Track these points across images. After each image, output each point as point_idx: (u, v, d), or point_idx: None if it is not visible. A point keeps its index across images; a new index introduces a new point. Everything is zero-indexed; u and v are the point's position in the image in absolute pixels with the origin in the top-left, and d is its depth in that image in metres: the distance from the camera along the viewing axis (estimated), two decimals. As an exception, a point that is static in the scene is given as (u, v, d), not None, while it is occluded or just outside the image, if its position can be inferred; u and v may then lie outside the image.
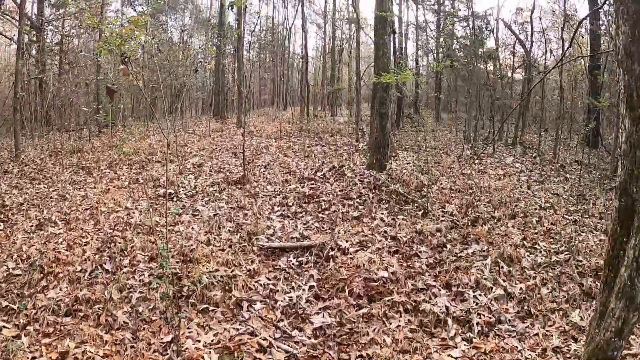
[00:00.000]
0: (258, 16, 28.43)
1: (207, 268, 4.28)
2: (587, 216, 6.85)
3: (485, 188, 7.89)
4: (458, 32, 26.12)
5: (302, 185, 7.18)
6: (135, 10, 30.57)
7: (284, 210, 6.11)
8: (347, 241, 4.96)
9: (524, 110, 16.11)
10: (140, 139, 14.99)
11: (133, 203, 6.86)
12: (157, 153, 10.87)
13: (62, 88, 14.99)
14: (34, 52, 17.91)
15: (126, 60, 3.62)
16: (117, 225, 5.81)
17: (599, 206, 7.34)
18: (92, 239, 5.30)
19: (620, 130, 2.43)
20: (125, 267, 4.51)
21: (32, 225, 5.82)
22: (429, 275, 4.51)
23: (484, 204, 6.94)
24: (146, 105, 21.92)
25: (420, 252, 4.98)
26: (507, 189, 7.94)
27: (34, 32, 19.03)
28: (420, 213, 6.12)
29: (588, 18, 16.57)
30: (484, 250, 5.08)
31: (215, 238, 5.13)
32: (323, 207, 6.07)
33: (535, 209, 6.98)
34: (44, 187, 8.14)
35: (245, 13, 26.81)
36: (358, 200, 6.36)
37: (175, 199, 6.97)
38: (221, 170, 8.58)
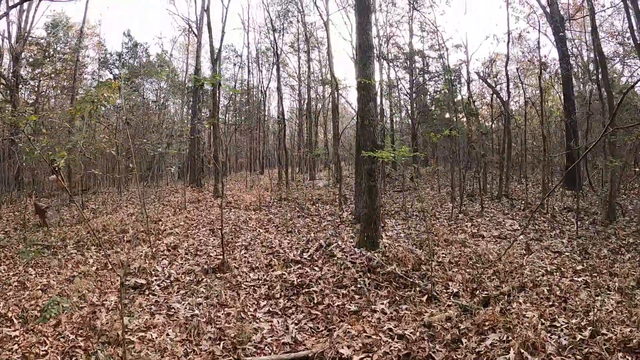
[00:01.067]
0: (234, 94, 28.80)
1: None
2: (595, 274, 6.42)
3: (485, 255, 7.42)
4: (430, 88, 27.05)
5: (288, 270, 6.53)
6: (111, 73, 30.59)
7: (271, 306, 5.42)
8: (349, 347, 4.28)
9: (506, 162, 16.18)
10: (112, 210, 14.17)
11: (100, 297, 6.05)
12: (129, 230, 10.10)
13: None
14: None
15: (56, 169, 3.10)
16: (81, 329, 5.01)
17: (606, 261, 6.98)
18: (50, 348, 4.49)
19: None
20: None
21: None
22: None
23: (488, 276, 6.43)
24: (120, 171, 21.21)
25: (433, 352, 4.34)
26: (508, 254, 7.49)
27: (8, 92, 18.47)
28: (424, 299, 5.53)
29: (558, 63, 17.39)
30: (503, 340, 4.48)
31: (194, 350, 4.37)
32: (315, 301, 5.41)
33: (542, 275, 6.51)
34: (4, 270, 7.28)
35: (219, 87, 27.14)
36: (353, 288, 5.74)
37: (147, 291, 6.20)
38: (198, 252, 7.86)
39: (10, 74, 19.79)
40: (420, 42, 26.51)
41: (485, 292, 5.80)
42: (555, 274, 6.60)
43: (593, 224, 10.14)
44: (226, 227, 9.96)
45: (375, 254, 6.87)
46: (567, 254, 7.77)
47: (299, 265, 6.73)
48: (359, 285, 5.80)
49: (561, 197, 14.57)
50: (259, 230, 9.61)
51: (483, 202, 13.56)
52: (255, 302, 5.49)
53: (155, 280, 6.59)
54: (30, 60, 21.83)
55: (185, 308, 5.36)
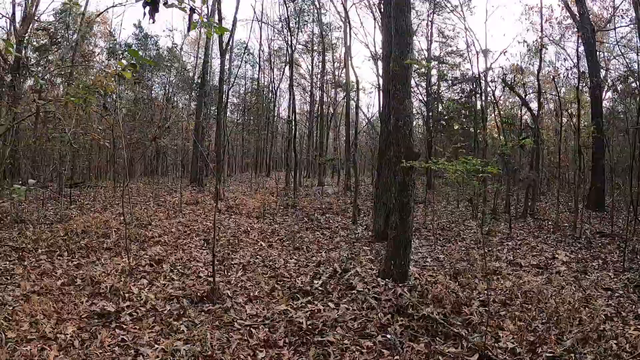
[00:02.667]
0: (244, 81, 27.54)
1: None
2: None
3: (530, 292, 6.00)
4: (447, 94, 25.67)
5: (296, 304, 5.13)
6: (120, 66, 29.30)
7: (271, 359, 4.02)
8: None
9: (534, 177, 14.73)
10: (102, 208, 12.88)
11: (55, 326, 4.68)
12: (112, 235, 8.78)
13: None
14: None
15: None
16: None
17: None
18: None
19: None
20: None
21: None
22: None
23: (543, 322, 5.03)
24: (123, 165, 20.01)
25: None
26: (556, 292, 6.06)
27: (9, 76, 17.35)
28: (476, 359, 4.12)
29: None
30: None
31: None
32: (332, 356, 4.00)
33: (603, 321, 5.11)
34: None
35: (229, 76, 25.87)
36: (380, 339, 4.33)
37: (114, 323, 4.82)
38: (186, 271, 6.47)
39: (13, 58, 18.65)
40: (439, 48, 25.19)
41: (550, 351, 4.39)
42: (615, 319, 5.21)
43: (634, 253, 8.68)
44: (223, 237, 8.59)
45: (405, 289, 5.46)
46: (619, 291, 6.42)
47: (309, 297, 5.32)
48: (388, 336, 4.39)
49: (588, 219, 13.14)
50: (261, 244, 8.23)
51: (511, 222, 12.12)
52: (251, 353, 4.08)
53: (128, 307, 5.21)
54: (36, 45, 20.73)
55: (158, 358, 3.97)
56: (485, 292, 6.02)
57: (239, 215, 11.62)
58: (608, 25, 19.41)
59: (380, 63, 20.49)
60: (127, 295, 5.57)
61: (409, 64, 5.90)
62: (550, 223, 13.31)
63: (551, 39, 17.25)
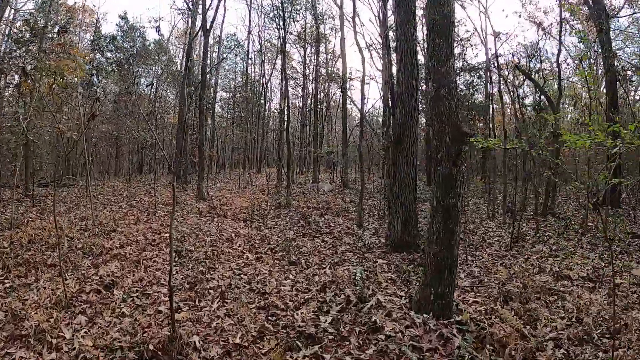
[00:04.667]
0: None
1: None
2: None
3: (600, 318, 4.40)
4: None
5: (295, 358, 3.43)
6: (103, 56, 27.46)
7: None
8: None
9: (554, 172, 13.19)
10: (65, 210, 11.08)
11: None
12: (64, 244, 7.03)
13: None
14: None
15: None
16: None
17: None
18: None
19: None
20: None
21: None
22: None
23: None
24: (98, 161, 18.21)
25: None
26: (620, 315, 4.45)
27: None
28: None
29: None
30: None
31: None
32: None
33: None
34: None
35: (218, 63, 24.02)
36: None
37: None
38: (142, 302, 4.73)
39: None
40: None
41: None
42: None
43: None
44: (200, 248, 6.85)
45: (454, 329, 3.78)
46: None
47: (316, 347, 3.61)
48: None
49: (615, 220, 11.68)
50: (248, 257, 6.48)
51: (538, 223, 10.53)
52: None
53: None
54: (14, 37, 18.77)
55: None
56: (545, 320, 4.39)
57: (223, 217, 9.86)
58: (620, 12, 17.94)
59: (374, 53, 18.88)
60: (54, 341, 3.86)
61: (451, 12, 4.20)
62: (573, 222, 11.86)
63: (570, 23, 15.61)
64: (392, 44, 12.56)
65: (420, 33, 17.11)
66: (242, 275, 5.53)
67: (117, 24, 29.12)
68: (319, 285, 5.16)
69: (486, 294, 5.14)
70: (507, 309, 4.65)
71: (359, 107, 16.15)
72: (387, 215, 7.28)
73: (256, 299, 4.78)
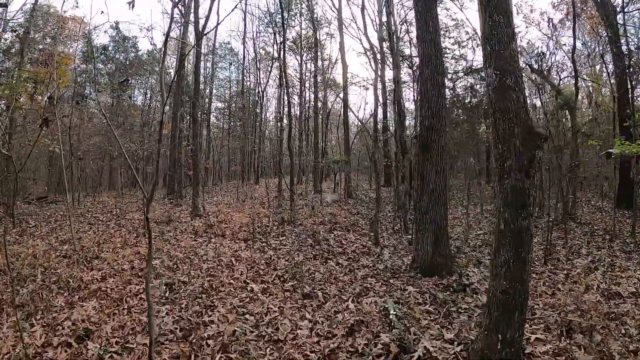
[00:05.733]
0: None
1: None
2: None
3: None
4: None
5: None
6: (95, 68, 26.51)
7: None
8: None
9: (574, 175, 12.26)
10: (47, 232, 10.05)
11: None
12: (37, 277, 6.03)
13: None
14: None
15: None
16: None
17: None
18: None
19: None
20: None
21: None
22: None
23: None
24: (86, 176, 17.16)
25: None
26: None
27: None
28: None
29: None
30: None
31: None
32: None
33: None
34: None
35: (211, 76, 23.05)
36: None
37: None
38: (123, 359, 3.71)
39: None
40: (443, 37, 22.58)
41: None
42: None
43: None
44: (195, 278, 5.81)
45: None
46: None
47: None
48: None
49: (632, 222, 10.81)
50: (252, 288, 5.45)
51: (567, 232, 9.58)
52: None
53: None
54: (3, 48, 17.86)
55: None
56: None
57: (221, 237, 8.82)
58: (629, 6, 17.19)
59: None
60: None
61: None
62: (596, 228, 10.97)
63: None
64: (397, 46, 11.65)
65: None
66: (247, 316, 4.50)
67: (110, 35, 28.28)
68: (344, 327, 4.14)
69: (542, 323, 4.19)
70: (575, 347, 3.70)
71: (356, 114, 15.22)
72: (413, 233, 6.28)
73: (268, 350, 3.76)
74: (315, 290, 5.25)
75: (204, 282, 5.53)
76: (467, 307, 4.86)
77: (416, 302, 4.86)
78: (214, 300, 4.98)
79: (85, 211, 14.05)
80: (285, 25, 14.34)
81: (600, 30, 15.39)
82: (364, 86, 25.68)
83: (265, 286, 5.55)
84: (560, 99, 10.23)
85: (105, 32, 28.62)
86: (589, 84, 18.08)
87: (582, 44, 17.74)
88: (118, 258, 6.95)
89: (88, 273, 6.13)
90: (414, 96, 21.97)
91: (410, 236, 9.03)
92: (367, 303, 4.85)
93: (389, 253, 7.45)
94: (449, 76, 22.50)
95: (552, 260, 7.45)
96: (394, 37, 13.21)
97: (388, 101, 24.40)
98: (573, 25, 13.30)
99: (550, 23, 14.67)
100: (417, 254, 5.96)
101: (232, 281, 5.66)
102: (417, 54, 20.69)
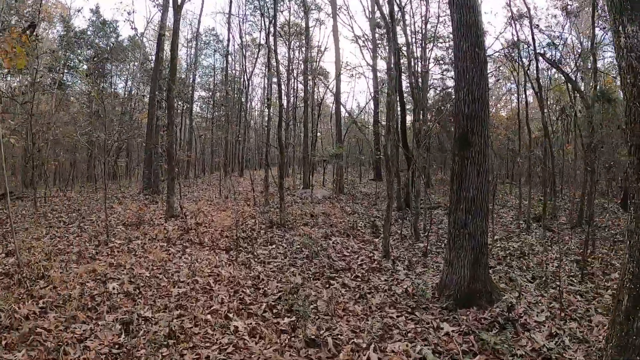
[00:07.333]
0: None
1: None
2: None
3: None
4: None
5: None
6: (73, 55, 24.81)
7: None
8: None
9: (590, 176, 11.16)
10: (13, 229, 8.50)
11: None
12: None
13: None
14: None
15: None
16: None
17: None
18: None
19: None
20: None
21: None
22: None
23: None
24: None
25: None
26: None
27: None
28: None
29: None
30: None
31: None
32: None
33: None
34: None
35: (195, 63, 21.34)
36: None
37: None
38: None
39: None
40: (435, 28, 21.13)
41: None
42: None
43: None
44: (162, 312, 4.43)
45: None
46: None
47: None
48: None
49: None
50: (236, 328, 4.09)
51: (588, 236, 8.44)
52: None
53: None
54: None
55: None
56: None
57: (199, 245, 7.40)
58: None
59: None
60: None
61: None
62: (615, 233, 10.04)
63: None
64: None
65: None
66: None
67: (89, 19, 26.43)
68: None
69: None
70: None
71: (344, 106, 13.84)
72: (446, 250, 4.95)
73: None
74: (322, 334, 3.91)
75: (172, 319, 4.14)
76: (524, 353, 3.62)
77: (461, 350, 3.57)
78: (184, 351, 3.60)
79: (51, 209, 12.44)
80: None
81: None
82: (358, 73, 24.32)
83: (254, 324, 4.19)
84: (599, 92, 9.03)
85: (88, 20, 26.64)
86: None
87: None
88: (68, 278, 5.50)
89: (26, 303, 4.67)
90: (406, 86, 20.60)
91: (422, 244, 7.78)
92: (394, 351, 3.55)
93: (404, 269, 6.16)
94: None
95: (588, 275, 6.27)
96: (393, 18, 11.83)
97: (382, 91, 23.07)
98: (592, 13, 12.12)
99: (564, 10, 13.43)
100: (450, 278, 4.64)
101: (209, 317, 4.27)
102: (418, 39, 19.24)
